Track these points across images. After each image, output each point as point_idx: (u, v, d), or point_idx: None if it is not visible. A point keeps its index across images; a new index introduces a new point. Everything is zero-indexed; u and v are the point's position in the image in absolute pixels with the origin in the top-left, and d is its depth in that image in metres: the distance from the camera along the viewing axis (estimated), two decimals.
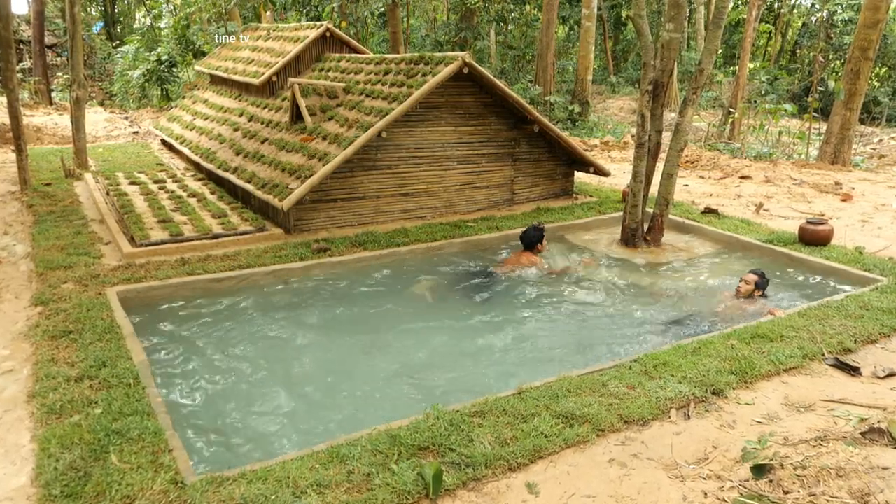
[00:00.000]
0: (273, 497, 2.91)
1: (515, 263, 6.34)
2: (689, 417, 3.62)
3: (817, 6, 23.26)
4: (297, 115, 8.28)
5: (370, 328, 5.26)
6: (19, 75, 15.74)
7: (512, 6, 21.38)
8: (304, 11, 18.77)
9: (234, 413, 4.01)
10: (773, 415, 3.66)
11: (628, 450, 3.34)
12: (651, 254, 6.88)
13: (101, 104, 20.63)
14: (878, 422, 3.43)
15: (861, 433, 3.37)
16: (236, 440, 3.75)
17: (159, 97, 19.76)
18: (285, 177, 7.20)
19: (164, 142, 12.74)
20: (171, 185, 8.77)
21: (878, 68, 22.55)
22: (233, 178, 8.04)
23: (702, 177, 10.97)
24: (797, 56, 28.55)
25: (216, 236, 6.71)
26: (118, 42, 24.59)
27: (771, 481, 3.01)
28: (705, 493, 2.99)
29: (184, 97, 13.79)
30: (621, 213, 7.33)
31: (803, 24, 28.20)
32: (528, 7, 22.98)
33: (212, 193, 8.39)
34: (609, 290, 6.03)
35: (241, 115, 9.99)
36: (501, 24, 22.74)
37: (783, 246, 6.73)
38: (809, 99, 14.09)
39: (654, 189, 7.27)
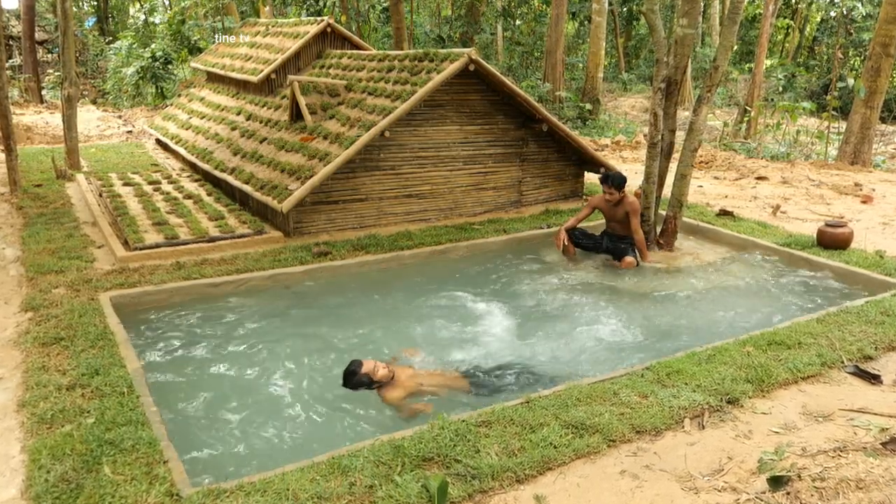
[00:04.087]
0: None
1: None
2: (703, 427, 3.54)
3: (836, 1, 23.12)
4: (296, 114, 8.12)
5: (372, 333, 5.14)
6: (9, 72, 15.56)
7: (519, 0, 21.24)
8: (305, 6, 18.63)
9: (232, 422, 3.90)
10: (791, 424, 3.57)
11: (640, 461, 3.25)
12: (663, 257, 6.75)
13: (94, 102, 20.45)
14: None
15: (882, 443, 3.33)
16: (234, 450, 3.65)
17: (154, 95, 19.57)
18: (285, 178, 7.04)
19: (158, 141, 12.60)
20: (166, 187, 8.63)
21: None
22: (230, 178, 7.89)
23: (717, 178, 10.87)
24: (816, 52, 28.51)
25: (213, 239, 6.57)
26: (111, 38, 24.37)
27: (788, 493, 2.95)
28: None
29: (179, 95, 13.65)
30: None
31: (822, 19, 28.10)
32: (536, 2, 22.84)
33: (208, 195, 8.24)
34: (618, 294, 5.90)
35: (238, 114, 9.85)
36: (508, 19, 22.62)
37: (801, 249, 6.61)
38: (828, 97, 13.94)
39: (666, 190, 7.14)
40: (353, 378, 4.19)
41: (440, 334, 5.12)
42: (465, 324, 5.30)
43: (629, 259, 6.46)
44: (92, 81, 22.33)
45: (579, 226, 6.83)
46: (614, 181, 6.51)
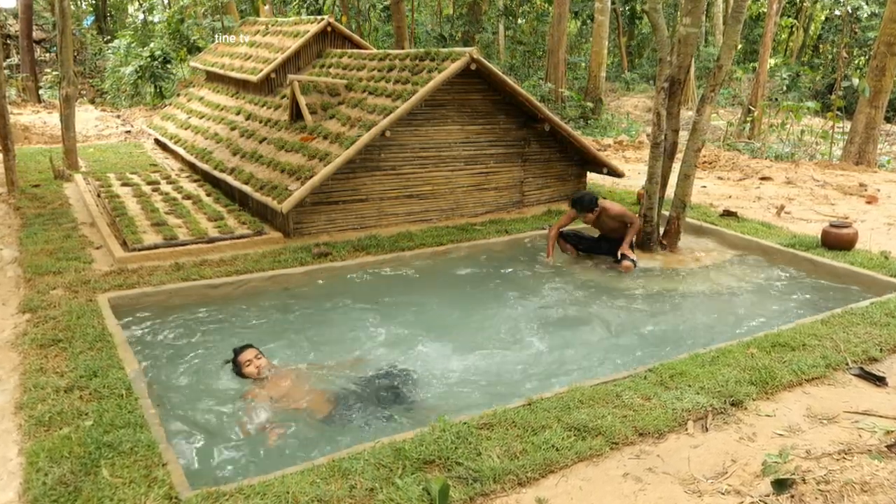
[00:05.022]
0: None
1: None
2: (706, 430, 3.52)
3: (841, 0, 23.06)
4: (296, 114, 8.08)
5: (373, 336, 5.09)
6: (6, 72, 15.51)
7: None
8: (305, 5, 18.60)
9: (232, 425, 3.86)
10: (795, 427, 3.55)
11: (643, 463, 3.23)
12: (667, 258, 6.71)
13: (92, 102, 20.38)
14: None
15: (887, 446, 3.31)
16: (234, 453, 3.61)
17: (153, 95, 19.53)
18: (284, 178, 7.00)
19: (157, 141, 12.56)
20: (165, 187, 8.58)
21: None
22: (230, 179, 7.84)
23: (720, 178, 10.84)
24: (820, 52, 28.47)
25: (212, 240, 6.52)
26: (109, 37, 24.29)
27: (793, 496, 2.93)
28: None
29: (178, 95, 13.61)
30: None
31: (826, 18, 28.06)
32: (538, 0, 22.80)
33: (208, 195, 8.20)
34: (620, 296, 5.85)
35: (238, 114, 9.80)
36: (510, 18, 22.57)
37: (805, 250, 6.57)
38: (833, 96, 13.89)
39: (670, 191, 7.10)
40: (232, 359, 4.22)
41: (428, 336, 5.05)
42: (460, 326, 5.27)
43: (627, 263, 6.42)
44: (90, 81, 22.25)
45: (576, 228, 6.74)
46: (582, 206, 6.35)
